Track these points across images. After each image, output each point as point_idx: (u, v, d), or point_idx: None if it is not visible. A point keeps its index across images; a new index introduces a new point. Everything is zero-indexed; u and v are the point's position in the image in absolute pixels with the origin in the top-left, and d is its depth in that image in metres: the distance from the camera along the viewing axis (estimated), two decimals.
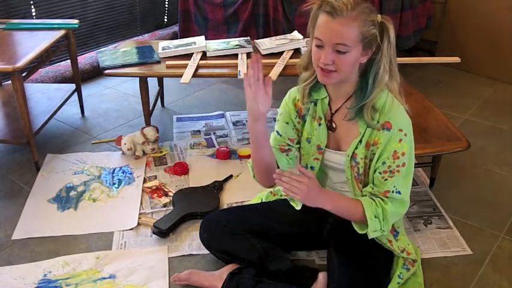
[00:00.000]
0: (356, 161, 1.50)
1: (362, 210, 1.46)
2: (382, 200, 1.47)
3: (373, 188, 1.50)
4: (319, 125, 1.56)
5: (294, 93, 1.61)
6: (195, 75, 2.29)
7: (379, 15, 1.38)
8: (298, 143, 1.64)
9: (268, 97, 1.41)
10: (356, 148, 1.49)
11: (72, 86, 2.74)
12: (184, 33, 3.43)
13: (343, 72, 1.39)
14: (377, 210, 1.45)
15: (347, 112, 1.49)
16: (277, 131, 1.63)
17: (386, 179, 1.46)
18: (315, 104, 1.56)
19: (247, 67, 1.33)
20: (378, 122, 1.44)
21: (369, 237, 1.49)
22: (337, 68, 1.37)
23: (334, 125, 1.54)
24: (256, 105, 1.40)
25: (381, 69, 1.39)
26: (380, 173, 1.47)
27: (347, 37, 1.32)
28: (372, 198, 1.48)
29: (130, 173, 2.29)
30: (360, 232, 1.50)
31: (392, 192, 1.46)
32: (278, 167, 1.58)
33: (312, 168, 1.61)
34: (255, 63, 1.37)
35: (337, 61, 1.36)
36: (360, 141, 1.48)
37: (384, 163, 1.45)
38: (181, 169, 2.30)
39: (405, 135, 1.44)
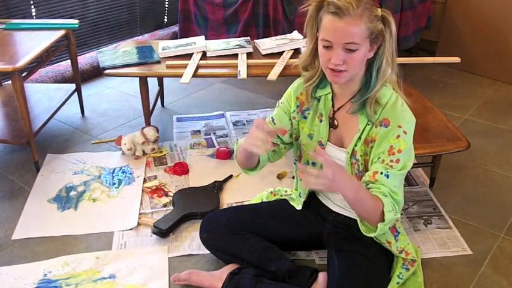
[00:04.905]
0: (356, 158, 1.50)
1: (379, 202, 1.38)
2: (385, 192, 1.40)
3: (366, 177, 1.45)
4: (321, 121, 1.56)
5: (299, 85, 1.58)
6: (195, 75, 2.29)
7: (379, 9, 1.38)
8: (290, 136, 1.63)
9: (267, 148, 1.39)
10: (355, 145, 1.49)
11: (72, 86, 2.74)
12: (184, 33, 3.43)
13: (353, 70, 1.39)
14: (392, 203, 1.39)
15: (350, 105, 1.50)
16: (272, 118, 1.63)
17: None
18: (318, 101, 1.56)
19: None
20: (378, 118, 1.44)
21: (384, 226, 1.40)
22: (348, 68, 1.37)
23: (336, 123, 1.54)
24: (251, 147, 1.40)
25: (384, 62, 1.40)
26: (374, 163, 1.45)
27: (356, 35, 1.33)
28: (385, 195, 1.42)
29: (131, 173, 2.29)
30: (366, 234, 1.45)
31: (381, 173, 1.40)
32: (259, 160, 1.60)
33: (313, 164, 1.61)
34: (271, 134, 1.40)
35: (347, 60, 1.36)
36: (359, 137, 1.48)
37: (378, 158, 1.43)
38: (181, 169, 2.30)
39: (404, 132, 1.42)
